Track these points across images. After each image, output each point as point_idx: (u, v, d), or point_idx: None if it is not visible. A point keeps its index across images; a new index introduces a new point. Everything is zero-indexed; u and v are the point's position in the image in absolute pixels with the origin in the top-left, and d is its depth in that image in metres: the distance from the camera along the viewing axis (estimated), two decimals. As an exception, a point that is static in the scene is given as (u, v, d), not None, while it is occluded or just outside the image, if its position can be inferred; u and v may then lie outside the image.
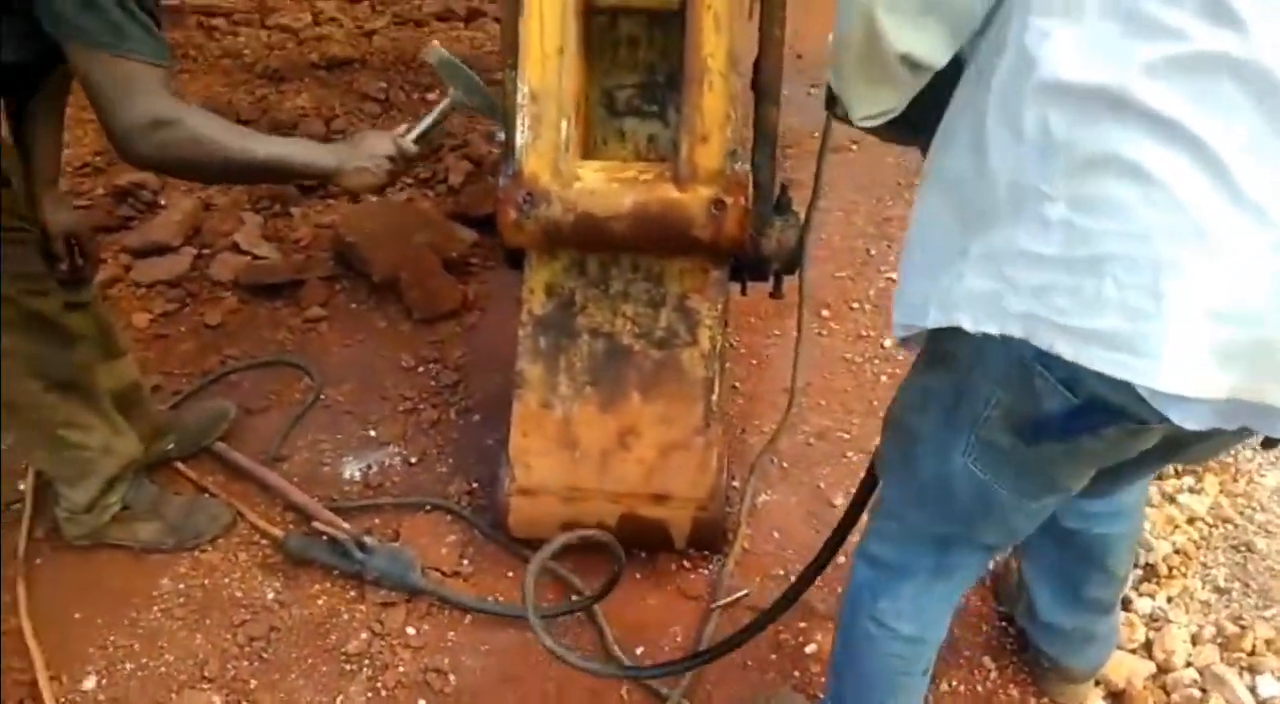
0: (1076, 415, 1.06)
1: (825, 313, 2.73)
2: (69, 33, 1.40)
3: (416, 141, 1.82)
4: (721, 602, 1.96)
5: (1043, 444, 1.14)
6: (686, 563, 2.05)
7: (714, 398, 1.97)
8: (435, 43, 1.94)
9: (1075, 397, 1.05)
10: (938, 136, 1.19)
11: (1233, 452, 2.25)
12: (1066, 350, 1.00)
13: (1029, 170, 1.03)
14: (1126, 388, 0.98)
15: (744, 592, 1.99)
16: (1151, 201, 0.96)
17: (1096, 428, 1.08)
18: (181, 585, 2.04)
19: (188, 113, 1.51)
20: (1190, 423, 1.01)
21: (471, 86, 1.90)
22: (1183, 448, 1.27)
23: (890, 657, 1.46)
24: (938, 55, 1.12)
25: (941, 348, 1.22)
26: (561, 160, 1.82)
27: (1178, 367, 0.96)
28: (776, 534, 2.13)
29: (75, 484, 1.97)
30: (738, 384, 2.51)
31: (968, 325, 1.08)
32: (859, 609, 1.48)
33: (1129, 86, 0.96)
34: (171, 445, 2.26)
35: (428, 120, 1.87)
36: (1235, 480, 2.18)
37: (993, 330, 1.06)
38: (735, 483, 2.20)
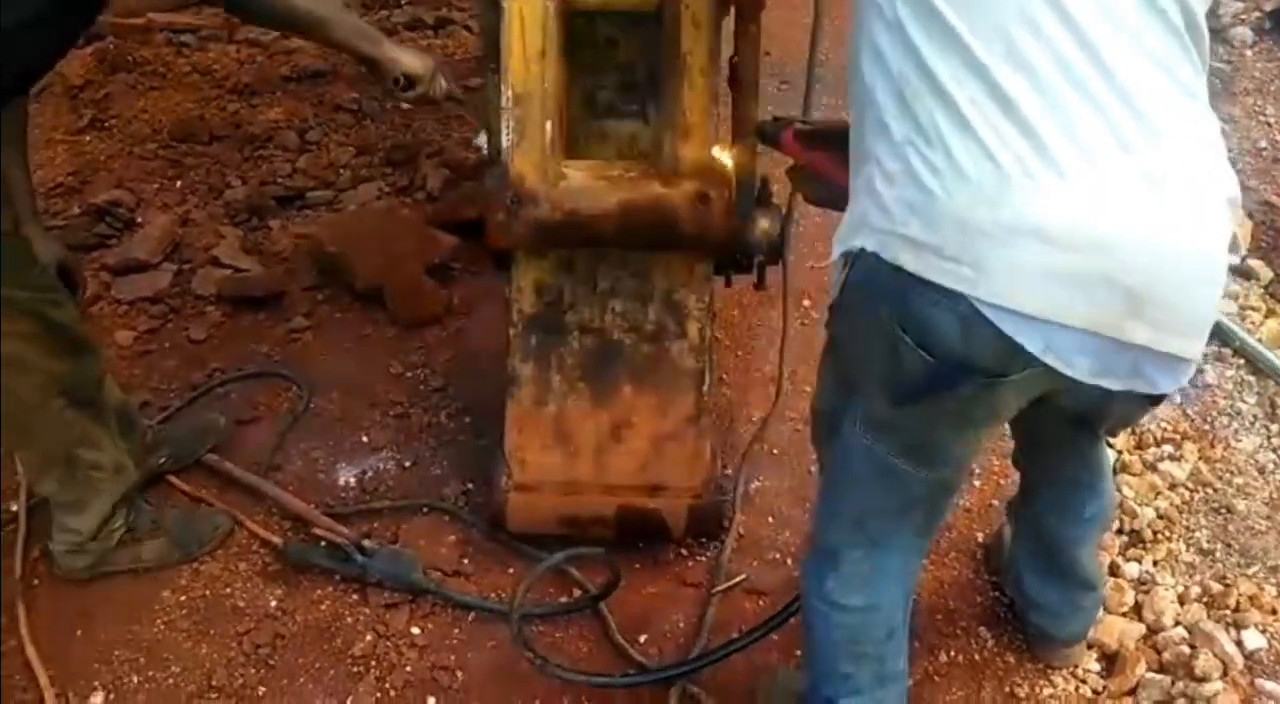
0: (935, 375, 1.14)
1: (806, 303, 2.77)
2: None
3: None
4: (721, 587, 2.00)
5: (912, 406, 1.22)
6: (684, 551, 2.09)
7: (704, 388, 2.00)
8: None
9: (931, 356, 1.12)
10: (848, 68, 1.26)
11: (1209, 419, 2.32)
12: (910, 261, 1.09)
13: (887, 93, 1.12)
14: (978, 336, 1.06)
15: (742, 576, 2.03)
16: (978, 131, 1.04)
17: (954, 386, 1.15)
18: (183, 597, 2.04)
19: None
20: (1078, 371, 1.07)
21: None
22: (1089, 417, 1.36)
23: (843, 629, 1.50)
24: None
25: (831, 334, 1.35)
26: (548, 161, 1.85)
27: (1008, 280, 1.03)
28: (771, 519, 2.17)
29: (83, 509, 1.93)
30: (724, 375, 2.54)
31: (837, 249, 1.20)
32: (809, 592, 1.54)
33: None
34: (164, 460, 2.26)
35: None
36: (1213, 446, 2.24)
37: (856, 245, 1.16)
38: (728, 471, 2.24)
